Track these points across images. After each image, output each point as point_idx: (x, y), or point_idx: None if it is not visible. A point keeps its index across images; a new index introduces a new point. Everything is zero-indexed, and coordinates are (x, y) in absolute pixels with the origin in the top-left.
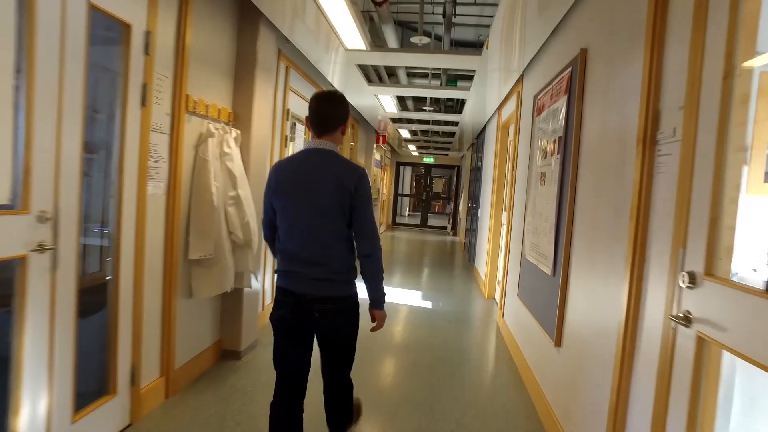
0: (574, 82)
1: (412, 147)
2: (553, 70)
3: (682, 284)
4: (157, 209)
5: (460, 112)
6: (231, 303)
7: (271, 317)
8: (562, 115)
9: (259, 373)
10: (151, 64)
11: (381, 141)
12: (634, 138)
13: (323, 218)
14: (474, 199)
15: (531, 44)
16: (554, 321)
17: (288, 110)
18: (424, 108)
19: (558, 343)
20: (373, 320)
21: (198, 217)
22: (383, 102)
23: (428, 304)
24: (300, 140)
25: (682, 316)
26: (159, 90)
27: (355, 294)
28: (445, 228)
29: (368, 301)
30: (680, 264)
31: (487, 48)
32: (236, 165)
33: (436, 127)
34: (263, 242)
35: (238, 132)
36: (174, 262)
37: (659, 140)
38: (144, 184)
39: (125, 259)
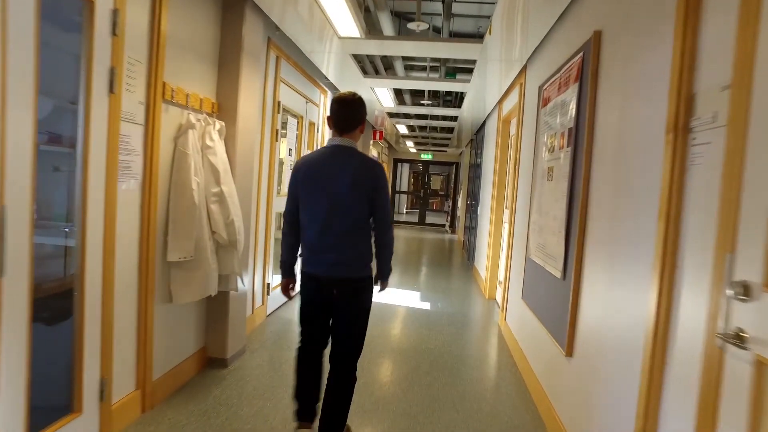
0: (586, 69)
1: (409, 143)
2: (560, 58)
3: (731, 296)
4: (131, 207)
5: (459, 106)
6: (216, 307)
7: (301, 293)
8: (573, 105)
9: (246, 382)
10: (120, 46)
11: (378, 137)
12: (662, 127)
13: (341, 208)
14: (473, 197)
15: (536, 30)
16: (565, 329)
17: (279, 102)
18: (422, 102)
19: (569, 352)
20: (376, 283)
21: (177, 215)
22: (380, 95)
23: (427, 306)
24: (292, 134)
25: (733, 334)
26: (131, 76)
27: (370, 276)
28: (444, 226)
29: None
30: (728, 272)
31: (489, 34)
32: (220, 159)
33: (434, 123)
34: (249, 242)
35: (222, 124)
36: (150, 265)
37: (694, 128)
38: (114, 179)
39: (92, 261)
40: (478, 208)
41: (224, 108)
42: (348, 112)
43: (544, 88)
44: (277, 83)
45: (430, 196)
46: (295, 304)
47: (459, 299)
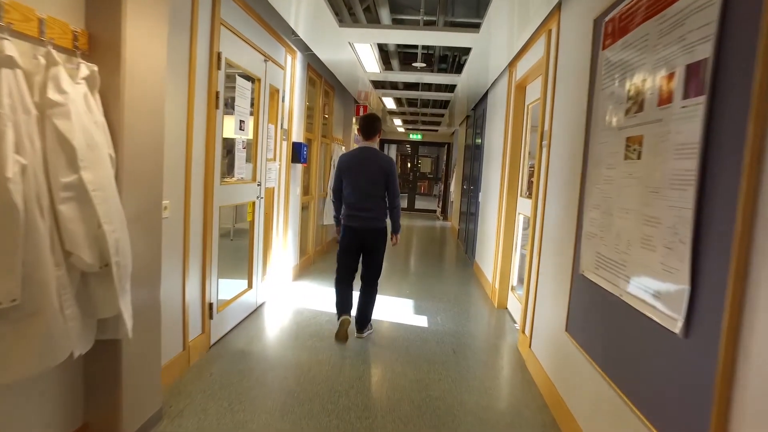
0: None
1: (397, 122)
2: None
3: None
4: None
5: (458, 72)
6: (100, 363)
7: (340, 241)
8: (708, 15)
9: None
10: None
11: (362, 113)
12: None
13: (371, 185)
14: (472, 181)
15: None
16: None
17: (219, 54)
18: (414, 64)
19: None
20: (392, 239)
21: None
22: (363, 57)
23: (423, 321)
24: (245, 102)
25: None
26: None
27: (386, 226)
28: (434, 211)
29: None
30: None
31: None
32: (78, 126)
33: (426, 95)
34: (176, 248)
35: (94, 69)
36: None
37: None
38: None
39: None
40: (480, 194)
41: (100, 44)
42: (370, 126)
43: (609, 18)
44: (215, 27)
45: (419, 179)
46: (256, 321)
47: (462, 309)
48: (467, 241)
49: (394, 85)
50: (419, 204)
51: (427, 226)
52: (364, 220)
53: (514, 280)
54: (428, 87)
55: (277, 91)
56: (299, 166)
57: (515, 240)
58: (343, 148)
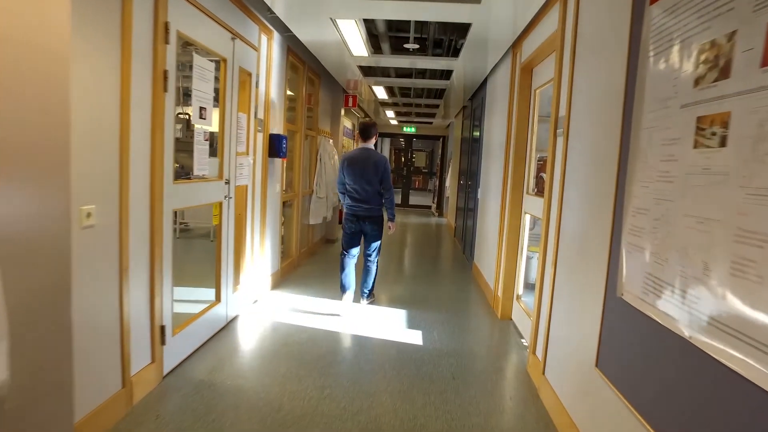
0: None
1: (390, 113)
2: None
3: None
4: None
5: (455, 56)
6: None
7: (343, 227)
8: None
9: None
10: None
11: (351, 104)
12: None
13: (368, 180)
14: (470, 176)
15: None
16: None
17: (167, 25)
18: (405, 45)
19: None
20: (388, 227)
21: None
22: (347, 36)
23: (418, 337)
24: (207, 86)
25: None
26: None
27: (381, 214)
28: (429, 207)
29: (387, 220)
30: None
31: None
32: None
33: (420, 83)
34: (110, 257)
35: None
36: None
37: None
38: None
39: None
40: (479, 190)
41: None
42: (368, 131)
43: None
44: None
45: (413, 174)
46: (223, 341)
47: (462, 321)
48: (465, 239)
49: (385, 73)
50: (414, 200)
51: (422, 222)
52: (363, 209)
53: (519, 287)
54: (422, 74)
55: (250, 75)
56: (278, 161)
57: (521, 243)
58: (331, 141)
